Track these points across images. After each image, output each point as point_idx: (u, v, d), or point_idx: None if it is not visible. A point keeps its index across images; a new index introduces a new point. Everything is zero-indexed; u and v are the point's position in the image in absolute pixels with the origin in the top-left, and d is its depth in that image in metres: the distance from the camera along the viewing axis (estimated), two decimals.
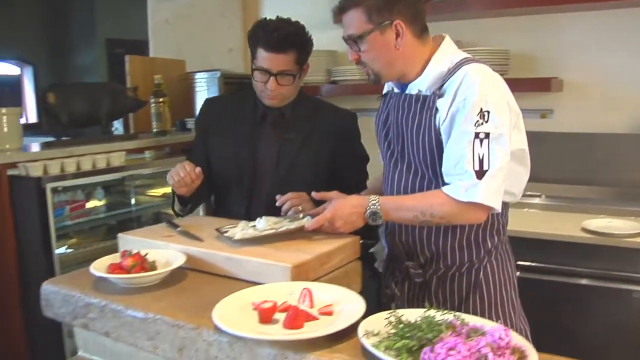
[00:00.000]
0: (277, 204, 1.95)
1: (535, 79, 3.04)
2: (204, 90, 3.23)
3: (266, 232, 1.69)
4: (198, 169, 1.97)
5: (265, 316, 1.25)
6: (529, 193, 3.04)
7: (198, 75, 3.26)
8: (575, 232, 2.53)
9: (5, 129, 2.47)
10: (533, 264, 2.58)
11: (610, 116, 3.01)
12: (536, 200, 3.00)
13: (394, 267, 1.87)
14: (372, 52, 1.68)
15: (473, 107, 1.55)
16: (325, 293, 1.35)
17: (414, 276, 1.77)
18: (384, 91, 1.90)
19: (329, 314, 1.27)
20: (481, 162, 1.54)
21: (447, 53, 1.70)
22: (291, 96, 2.15)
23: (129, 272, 1.50)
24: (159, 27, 3.63)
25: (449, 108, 1.60)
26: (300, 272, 1.45)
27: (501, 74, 2.96)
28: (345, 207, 1.68)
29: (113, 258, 1.60)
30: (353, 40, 1.68)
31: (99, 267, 1.53)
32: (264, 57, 2.02)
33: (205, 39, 3.73)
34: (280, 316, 1.25)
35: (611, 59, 2.98)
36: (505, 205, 1.76)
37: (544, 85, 2.98)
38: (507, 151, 1.58)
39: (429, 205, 1.61)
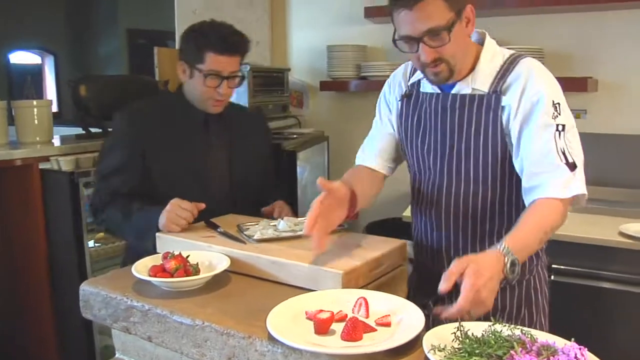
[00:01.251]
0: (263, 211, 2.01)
1: (570, 78, 2.98)
2: None
3: (285, 234, 1.68)
4: (201, 205, 1.82)
5: (322, 327, 1.19)
6: None
7: None
8: (613, 236, 2.47)
9: (36, 122, 2.44)
10: (568, 268, 2.53)
11: None
12: None
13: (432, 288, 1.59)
14: (455, 44, 1.48)
15: (548, 100, 1.49)
16: (381, 302, 1.30)
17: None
18: (403, 91, 1.75)
19: (387, 325, 1.22)
20: (564, 154, 1.47)
21: (496, 49, 1.61)
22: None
23: (172, 275, 1.46)
24: (186, 17, 3.57)
25: (519, 104, 1.51)
26: (350, 279, 1.40)
27: None
28: (484, 273, 1.26)
29: (154, 259, 1.56)
30: (437, 34, 1.45)
31: (140, 269, 1.49)
32: (217, 61, 1.91)
33: None
34: (336, 326, 1.20)
35: None
36: None
37: (580, 85, 2.92)
38: (579, 141, 1.53)
39: (546, 221, 1.44)
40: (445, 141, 1.63)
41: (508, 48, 2.87)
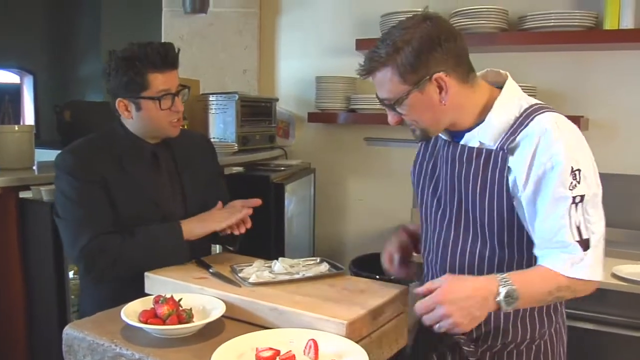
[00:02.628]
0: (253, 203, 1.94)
1: None
2: (220, 113, 3.11)
3: (282, 277, 1.62)
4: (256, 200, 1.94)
5: None
6: None
7: (214, 97, 3.14)
8: (606, 278, 2.43)
9: (17, 147, 2.33)
10: None
11: (636, 158, 2.94)
12: None
13: (436, 336, 1.51)
14: (414, 114, 1.44)
15: (564, 167, 1.33)
16: (331, 344, 1.27)
17: (467, 354, 1.50)
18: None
19: None
20: (579, 230, 1.34)
21: (513, 98, 1.46)
22: None
23: (164, 322, 1.37)
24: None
25: (530, 170, 1.37)
26: (354, 329, 1.33)
27: None
28: (461, 288, 1.31)
29: (144, 303, 1.47)
30: (389, 105, 1.45)
31: (130, 314, 1.40)
32: (162, 79, 1.77)
33: (221, 59, 3.62)
34: None
35: (638, 99, 2.92)
36: None
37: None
38: (602, 212, 1.39)
39: (556, 278, 1.36)
40: (454, 193, 1.52)
41: None
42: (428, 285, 1.34)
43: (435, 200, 1.59)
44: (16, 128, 2.35)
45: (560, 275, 1.35)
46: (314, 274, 1.65)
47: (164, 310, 1.39)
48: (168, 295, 1.44)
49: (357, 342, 1.30)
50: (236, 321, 1.47)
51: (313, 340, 1.26)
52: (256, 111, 3.30)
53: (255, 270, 1.66)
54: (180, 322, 1.38)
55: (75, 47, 7.76)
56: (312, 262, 1.76)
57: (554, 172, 1.35)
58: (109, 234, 1.75)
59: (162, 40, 3.58)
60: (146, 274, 1.67)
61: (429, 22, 1.39)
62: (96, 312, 1.54)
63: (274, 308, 1.42)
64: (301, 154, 3.72)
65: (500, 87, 1.49)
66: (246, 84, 3.70)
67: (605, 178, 2.89)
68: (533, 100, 1.47)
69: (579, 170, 1.34)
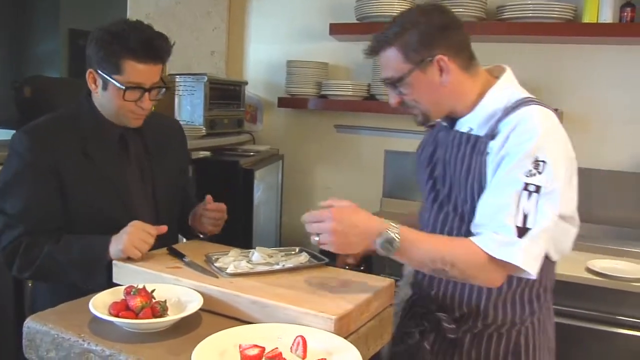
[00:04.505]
0: (208, 206, 1.85)
1: None
2: (187, 94, 2.98)
3: (261, 268, 1.53)
4: (163, 228, 1.63)
5: None
6: None
7: (181, 79, 3.01)
8: (580, 272, 2.42)
9: None
10: None
11: (610, 153, 2.95)
12: None
13: (420, 313, 1.65)
14: (416, 94, 1.49)
15: (527, 154, 1.34)
16: (320, 342, 1.19)
17: (447, 331, 1.56)
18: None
19: None
20: (525, 218, 1.33)
21: (506, 88, 1.50)
22: None
23: (137, 315, 1.27)
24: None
25: (499, 151, 1.40)
26: (342, 325, 1.25)
27: None
28: (354, 215, 1.35)
29: (114, 294, 1.36)
30: (392, 83, 1.50)
31: (99, 306, 1.29)
32: (138, 70, 1.61)
33: (187, 39, 3.48)
34: None
35: (613, 94, 2.93)
36: (553, 263, 1.58)
37: None
38: (557, 210, 1.37)
39: (452, 252, 1.37)
40: (446, 177, 1.55)
41: None
42: (331, 201, 1.38)
43: (431, 183, 1.62)
44: None
45: (452, 251, 1.37)
46: (294, 264, 1.57)
47: (136, 302, 1.28)
48: (140, 286, 1.34)
49: (344, 338, 1.23)
50: (213, 314, 1.37)
51: (301, 337, 1.17)
52: (225, 94, 3.19)
53: (232, 260, 1.56)
54: (154, 316, 1.28)
55: (32, 24, 7.46)
56: (292, 252, 1.67)
57: (516, 156, 1.36)
58: (38, 235, 1.61)
59: (127, 17, 3.45)
60: (115, 261, 1.55)
61: (438, 11, 1.48)
62: (53, 303, 1.42)
63: (255, 301, 1.32)
64: (269, 140, 3.62)
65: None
66: (214, 66, 3.58)
67: (578, 172, 2.96)
68: (527, 94, 1.50)
69: (544, 162, 1.34)
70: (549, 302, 1.65)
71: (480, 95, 1.49)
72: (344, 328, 1.26)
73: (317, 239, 1.34)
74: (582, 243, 2.74)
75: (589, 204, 2.93)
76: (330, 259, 1.63)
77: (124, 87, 1.62)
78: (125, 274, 1.52)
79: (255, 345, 1.13)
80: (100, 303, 1.31)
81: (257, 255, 1.59)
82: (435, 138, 1.65)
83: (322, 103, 3.35)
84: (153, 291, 1.34)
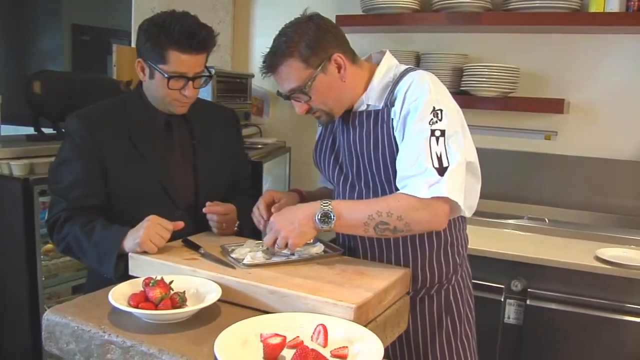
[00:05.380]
0: (204, 210, 1.81)
1: (546, 99, 2.95)
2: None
3: (277, 259, 1.54)
4: (180, 224, 1.67)
5: (272, 353, 1.11)
6: (531, 216, 2.96)
7: None
8: (589, 261, 2.42)
9: None
10: (544, 292, 2.47)
11: (616, 142, 2.95)
12: (540, 225, 2.88)
13: None
14: (321, 96, 1.58)
15: (426, 106, 1.50)
16: (341, 331, 1.21)
17: None
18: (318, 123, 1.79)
19: (343, 357, 1.13)
20: (440, 159, 1.46)
21: (390, 66, 1.65)
22: None
23: (156, 306, 1.28)
24: (144, 15, 3.34)
25: (401, 111, 1.54)
26: (362, 313, 1.26)
27: (509, 92, 2.91)
28: (290, 210, 1.54)
29: (132, 286, 1.37)
30: (298, 93, 1.57)
31: (118, 298, 1.30)
32: (181, 60, 1.67)
33: None
34: (288, 353, 1.11)
35: (620, 83, 2.92)
36: (463, 220, 1.75)
37: (555, 106, 2.89)
38: (463, 149, 1.51)
39: (385, 204, 1.47)
40: (352, 157, 1.66)
41: (484, 65, 2.87)
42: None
43: (337, 169, 1.73)
44: None
45: (386, 204, 1.46)
46: (310, 255, 1.58)
47: (155, 293, 1.29)
48: (158, 278, 1.35)
49: (364, 326, 1.23)
50: (232, 305, 1.38)
51: (322, 325, 1.18)
52: (232, 87, 3.19)
53: (247, 251, 1.57)
54: (173, 307, 1.28)
55: (36, 20, 7.43)
56: (307, 242, 1.67)
57: (417, 110, 1.50)
58: (76, 211, 1.70)
59: (133, 13, 3.45)
60: (131, 254, 1.56)
61: (315, 18, 1.58)
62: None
63: (273, 291, 1.33)
64: (276, 133, 3.62)
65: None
66: (219, 60, 3.57)
67: (582, 161, 2.97)
68: (409, 66, 1.65)
69: (440, 110, 1.50)
70: (466, 260, 1.80)
71: (369, 80, 1.63)
72: (363, 316, 1.27)
73: (277, 247, 1.50)
74: (591, 232, 2.76)
75: (597, 192, 2.95)
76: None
77: (167, 76, 1.68)
78: (141, 266, 1.53)
79: (277, 334, 1.14)
80: (119, 295, 1.32)
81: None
82: (332, 130, 1.75)
83: None
84: (171, 282, 1.35)
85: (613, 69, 2.92)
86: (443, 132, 1.48)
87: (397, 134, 1.55)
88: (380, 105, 1.60)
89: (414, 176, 1.46)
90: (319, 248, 1.63)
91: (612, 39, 2.90)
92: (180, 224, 1.66)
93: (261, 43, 3.63)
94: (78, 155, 1.73)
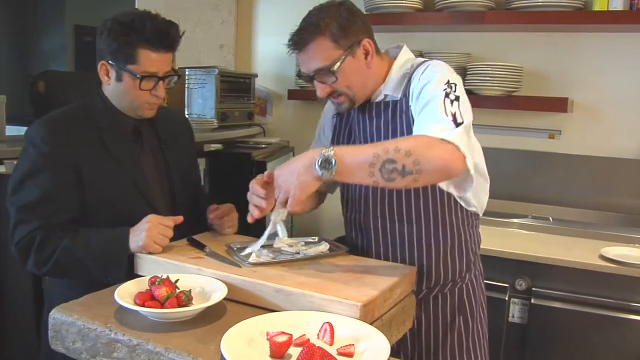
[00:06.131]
0: (210, 218, 1.81)
1: (547, 98, 2.96)
2: (198, 88, 2.99)
3: (283, 258, 1.54)
4: (179, 218, 1.63)
5: (278, 351, 1.11)
6: (535, 215, 2.95)
7: (192, 72, 3.01)
8: (594, 259, 2.42)
9: None
10: (548, 291, 2.47)
11: (621, 140, 2.95)
12: (544, 224, 2.88)
13: None
14: (348, 79, 1.57)
15: (441, 79, 1.49)
16: (347, 329, 1.20)
17: None
18: (336, 110, 1.77)
19: (349, 355, 1.13)
20: (454, 115, 1.41)
21: (408, 58, 1.66)
22: None
23: (162, 305, 1.28)
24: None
25: (416, 89, 1.53)
26: (367, 311, 1.26)
27: (513, 91, 2.90)
28: (290, 161, 1.44)
29: (138, 284, 1.37)
30: (325, 73, 1.55)
31: (124, 296, 1.30)
32: (152, 59, 1.60)
33: (196, 33, 3.48)
34: (294, 351, 1.11)
35: (624, 82, 2.92)
36: (476, 217, 1.74)
37: (559, 105, 2.88)
38: (471, 116, 1.48)
39: (394, 142, 1.35)
40: None
41: (487, 64, 2.87)
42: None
43: None
44: None
45: (396, 142, 1.35)
46: (315, 253, 1.58)
47: (162, 292, 1.29)
48: (164, 276, 1.35)
49: (369, 324, 1.24)
50: (237, 303, 1.38)
51: (328, 323, 1.18)
52: (235, 87, 3.19)
53: (253, 249, 1.57)
54: (179, 305, 1.28)
55: (38, 21, 7.43)
56: (311, 241, 1.68)
57: (431, 82, 1.49)
58: (53, 229, 1.58)
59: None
60: (137, 254, 1.55)
61: (344, 3, 1.57)
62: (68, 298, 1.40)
63: (279, 289, 1.33)
64: (279, 132, 3.62)
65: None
66: (222, 60, 3.58)
67: (587, 160, 2.97)
68: (423, 59, 1.65)
69: (455, 84, 1.49)
70: (479, 258, 1.79)
71: (388, 70, 1.63)
72: (369, 314, 1.27)
73: (279, 204, 1.42)
74: (596, 231, 2.75)
75: (601, 191, 2.94)
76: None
77: (139, 77, 1.62)
78: (147, 265, 1.53)
79: (283, 332, 1.14)
80: (125, 293, 1.32)
81: (277, 242, 1.59)
82: (348, 122, 1.75)
83: None
84: (177, 281, 1.35)
85: (617, 67, 2.92)
86: (457, 98, 1.46)
87: (412, 109, 1.54)
88: (399, 96, 1.59)
89: (429, 124, 1.41)
90: (324, 247, 1.63)
91: (616, 37, 2.89)
92: (180, 218, 1.63)
93: (265, 42, 3.66)
94: (46, 166, 1.60)
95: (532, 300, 2.48)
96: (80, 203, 1.64)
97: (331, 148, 1.35)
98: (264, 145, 3.06)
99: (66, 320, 1.31)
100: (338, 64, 1.52)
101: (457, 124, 1.39)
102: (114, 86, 1.68)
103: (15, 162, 1.95)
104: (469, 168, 1.36)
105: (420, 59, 1.64)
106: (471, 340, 1.72)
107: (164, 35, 1.61)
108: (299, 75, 1.62)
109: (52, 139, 1.61)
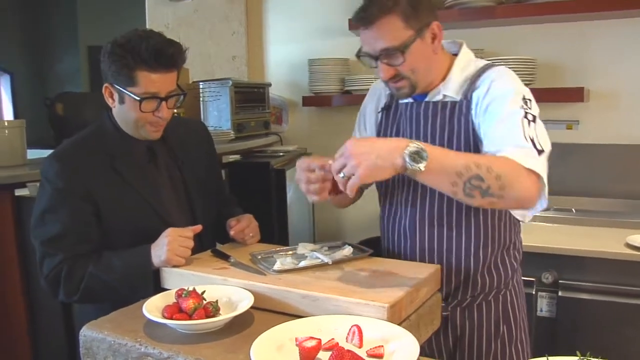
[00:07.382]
0: (231, 234, 1.77)
1: (564, 88, 2.93)
2: (213, 100, 3.01)
3: (307, 264, 1.53)
4: (197, 227, 1.66)
5: (308, 356, 1.11)
6: (557, 207, 2.93)
7: (206, 85, 3.04)
8: (620, 248, 2.39)
9: (7, 144, 2.22)
10: (575, 283, 2.45)
11: (638, 128, 2.91)
12: (567, 215, 2.86)
13: None
14: (414, 62, 1.48)
15: (516, 94, 1.44)
16: (375, 331, 1.20)
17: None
18: (382, 103, 1.72)
19: (379, 356, 1.13)
20: (533, 141, 1.36)
21: (469, 59, 1.59)
22: None
23: (190, 317, 1.29)
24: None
25: (484, 98, 1.47)
26: (394, 312, 1.26)
27: (528, 84, 2.89)
28: (370, 139, 1.38)
29: (165, 298, 1.38)
30: (393, 53, 1.45)
31: (152, 310, 1.32)
32: (151, 80, 1.58)
33: (208, 46, 3.51)
34: (324, 355, 1.11)
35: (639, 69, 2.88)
36: (518, 223, 1.70)
37: (575, 95, 2.86)
38: (548, 141, 1.43)
39: (486, 159, 1.30)
40: None
41: (500, 59, 2.86)
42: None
43: None
44: (6, 123, 2.23)
45: (485, 158, 1.31)
46: (339, 257, 1.58)
47: (189, 304, 1.30)
48: (190, 288, 1.36)
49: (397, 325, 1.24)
50: (264, 311, 1.39)
51: (357, 326, 1.18)
52: (250, 97, 3.21)
53: (277, 257, 1.58)
54: (207, 316, 1.29)
55: (53, 44, 7.55)
56: (335, 245, 1.68)
57: (507, 96, 1.44)
58: (78, 259, 1.61)
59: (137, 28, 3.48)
60: (163, 268, 1.57)
61: None
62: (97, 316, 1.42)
63: (305, 295, 1.34)
64: (296, 140, 3.63)
65: (456, 55, 1.61)
66: (236, 71, 3.60)
67: (606, 148, 2.93)
68: (486, 61, 1.61)
69: (530, 99, 1.45)
70: (520, 265, 1.75)
71: (448, 69, 1.57)
72: (396, 315, 1.27)
73: (341, 175, 1.27)
74: (620, 219, 2.72)
75: (623, 179, 2.91)
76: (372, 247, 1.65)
77: (139, 99, 1.60)
78: (173, 278, 1.55)
79: (312, 337, 1.14)
80: (153, 307, 1.33)
81: (301, 249, 1.60)
82: (396, 118, 1.67)
83: (346, 99, 3.34)
84: (203, 292, 1.36)
85: (632, 53, 2.89)
86: (534, 118, 1.41)
87: (476, 120, 1.49)
88: (459, 97, 1.53)
89: (513, 146, 1.35)
90: (348, 250, 1.63)
91: (630, 23, 2.86)
92: (199, 227, 1.65)
93: (277, 51, 3.68)
94: (63, 201, 1.63)
95: (560, 293, 2.46)
96: (101, 231, 1.67)
97: (419, 142, 1.26)
98: (281, 154, 3.07)
99: (97, 337, 1.33)
100: (408, 44, 1.44)
101: (539, 151, 1.36)
102: (118, 108, 1.69)
103: (37, 184, 1.99)
104: (545, 197, 1.37)
105: (482, 62, 1.58)
106: (514, 347, 1.68)
107: (161, 54, 1.58)
108: (359, 55, 1.52)
109: (65, 173, 1.63)
